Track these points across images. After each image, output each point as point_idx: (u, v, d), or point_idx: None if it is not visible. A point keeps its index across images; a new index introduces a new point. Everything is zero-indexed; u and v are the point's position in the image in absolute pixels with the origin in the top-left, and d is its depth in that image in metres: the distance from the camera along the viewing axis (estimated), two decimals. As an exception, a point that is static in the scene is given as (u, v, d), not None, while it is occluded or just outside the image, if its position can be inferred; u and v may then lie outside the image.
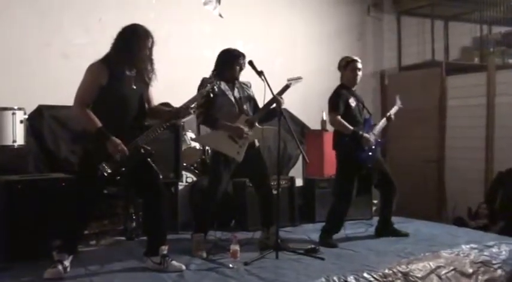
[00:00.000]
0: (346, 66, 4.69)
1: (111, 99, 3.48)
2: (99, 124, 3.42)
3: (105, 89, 3.47)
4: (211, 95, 3.94)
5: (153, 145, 3.74)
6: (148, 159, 3.68)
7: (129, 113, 3.57)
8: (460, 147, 6.68)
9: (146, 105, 3.72)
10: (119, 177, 3.53)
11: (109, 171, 3.43)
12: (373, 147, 4.59)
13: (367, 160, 4.58)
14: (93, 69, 3.50)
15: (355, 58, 4.72)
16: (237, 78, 4.32)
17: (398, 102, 4.93)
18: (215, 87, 3.93)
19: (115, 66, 3.51)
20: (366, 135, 4.52)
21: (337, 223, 4.64)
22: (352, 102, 4.65)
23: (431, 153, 6.86)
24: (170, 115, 3.70)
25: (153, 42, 3.60)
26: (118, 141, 3.41)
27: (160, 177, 3.82)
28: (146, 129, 3.60)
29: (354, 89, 4.75)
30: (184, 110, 3.67)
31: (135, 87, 3.59)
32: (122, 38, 3.54)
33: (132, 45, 3.52)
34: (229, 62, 4.26)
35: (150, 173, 3.71)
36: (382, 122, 4.79)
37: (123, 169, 3.50)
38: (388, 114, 4.82)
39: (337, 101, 4.58)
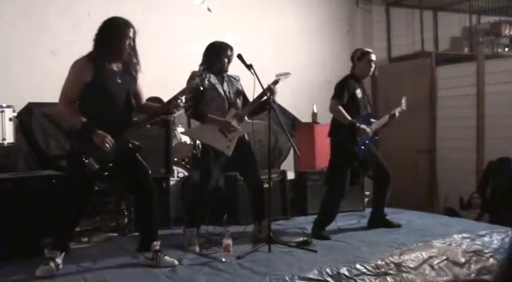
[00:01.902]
0: (362, 57, 4.67)
1: (96, 95, 3.45)
2: (84, 119, 3.40)
3: (90, 85, 3.44)
4: (201, 88, 3.92)
5: (144, 140, 3.72)
6: (137, 154, 3.66)
7: (115, 108, 3.54)
8: (451, 138, 6.71)
9: (134, 101, 3.69)
10: (106, 173, 3.51)
11: (96, 166, 3.40)
12: (367, 141, 4.58)
13: (359, 153, 4.57)
14: (77, 65, 3.48)
15: (370, 50, 4.74)
16: (226, 71, 4.30)
17: (404, 104, 4.92)
18: (205, 80, 3.91)
19: (99, 61, 3.48)
20: (362, 126, 4.49)
21: (329, 214, 4.64)
22: (359, 93, 4.64)
23: (423, 144, 6.88)
24: (159, 110, 3.68)
25: (134, 32, 3.55)
26: (104, 133, 3.39)
27: (150, 172, 3.80)
28: (133, 124, 3.58)
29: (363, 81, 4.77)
30: (173, 104, 3.64)
31: (120, 81, 3.55)
32: (101, 31, 3.52)
33: (112, 37, 3.49)
34: (217, 55, 4.24)
35: (138, 169, 3.69)
36: (384, 119, 4.79)
37: (111, 165, 3.48)
38: (392, 112, 4.80)
39: (342, 89, 4.55)
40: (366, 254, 3.84)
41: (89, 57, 3.49)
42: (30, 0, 5.24)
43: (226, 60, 4.24)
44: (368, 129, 4.52)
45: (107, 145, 3.39)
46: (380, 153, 4.87)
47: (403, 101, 4.93)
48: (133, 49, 3.59)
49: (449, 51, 7.23)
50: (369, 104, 4.82)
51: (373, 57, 4.69)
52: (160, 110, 3.70)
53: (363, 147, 4.56)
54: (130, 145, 3.58)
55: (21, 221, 3.85)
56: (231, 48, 4.26)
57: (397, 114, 4.82)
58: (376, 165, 4.75)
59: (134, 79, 3.68)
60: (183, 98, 3.67)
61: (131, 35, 3.54)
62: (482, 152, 6.44)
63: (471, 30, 7.17)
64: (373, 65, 4.70)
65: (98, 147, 3.39)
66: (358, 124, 4.48)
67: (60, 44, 5.24)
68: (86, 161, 3.38)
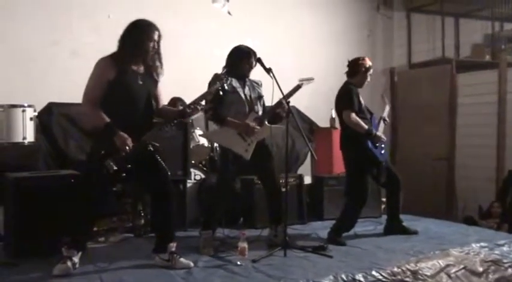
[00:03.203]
0: (368, 70, 4.66)
1: (118, 95, 3.48)
2: (107, 119, 3.42)
3: (112, 84, 3.47)
4: (221, 93, 3.92)
5: (161, 142, 3.73)
6: (157, 156, 3.68)
7: (136, 109, 3.56)
8: (470, 145, 6.63)
9: (154, 104, 3.71)
10: (124, 174, 3.52)
11: (115, 168, 3.42)
12: (383, 146, 4.58)
13: (381, 157, 4.57)
14: (100, 64, 3.51)
15: (371, 63, 4.75)
16: (248, 76, 4.31)
17: (387, 101, 4.91)
18: (225, 85, 3.91)
19: (122, 62, 3.50)
20: (378, 133, 4.52)
21: (349, 223, 4.62)
22: (361, 99, 4.65)
23: (441, 151, 6.81)
24: (178, 114, 3.69)
25: (159, 35, 3.58)
26: (126, 135, 3.41)
27: (169, 174, 3.81)
28: (154, 127, 3.60)
29: None
30: (192, 108, 3.64)
31: (141, 82, 3.58)
32: (126, 32, 3.55)
33: (136, 39, 3.52)
34: (240, 59, 4.24)
35: (158, 171, 3.70)
36: (382, 123, 4.77)
37: (129, 166, 3.50)
38: (382, 116, 4.77)
39: (351, 98, 4.51)
40: (382, 261, 3.81)
41: (113, 57, 3.52)
42: (55, 2, 5.31)
43: (248, 66, 4.24)
44: (382, 135, 4.55)
45: (127, 148, 3.41)
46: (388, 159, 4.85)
47: (385, 98, 4.99)
48: (157, 52, 3.62)
49: (471, 58, 7.15)
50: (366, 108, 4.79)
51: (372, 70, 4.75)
52: (178, 114, 3.70)
53: (382, 152, 4.56)
54: (150, 147, 3.59)
55: (40, 220, 3.88)
56: (255, 54, 4.25)
57: (387, 118, 4.81)
58: (387, 171, 4.74)
59: (155, 82, 3.70)
60: (203, 103, 3.68)
61: (156, 37, 3.57)
62: (502, 160, 6.35)
63: (493, 37, 7.08)
64: (369, 78, 4.74)
65: (117, 148, 3.41)
66: (374, 131, 4.49)
67: (80, 45, 5.29)
68: (105, 162, 3.40)
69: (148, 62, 3.61)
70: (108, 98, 3.48)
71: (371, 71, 4.70)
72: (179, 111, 3.71)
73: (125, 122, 3.45)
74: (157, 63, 3.65)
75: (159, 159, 3.70)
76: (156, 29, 3.58)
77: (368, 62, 4.69)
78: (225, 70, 4.24)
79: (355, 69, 4.68)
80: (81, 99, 3.51)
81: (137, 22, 3.57)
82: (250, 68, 4.28)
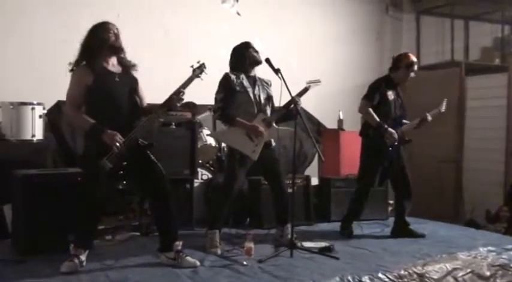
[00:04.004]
0: (410, 66, 4.68)
1: (99, 97, 3.53)
2: (92, 121, 3.47)
3: (91, 88, 3.52)
4: (201, 79, 3.83)
5: (169, 141, 3.72)
6: (150, 154, 3.68)
7: (120, 107, 3.59)
8: (478, 149, 6.61)
9: (138, 100, 3.73)
10: (122, 172, 3.53)
11: (110, 166, 3.43)
12: (396, 143, 4.59)
13: (388, 154, 4.62)
14: (76, 72, 3.60)
15: (416, 60, 4.75)
16: (259, 63, 4.28)
17: (444, 106, 4.86)
18: (204, 70, 3.82)
19: (94, 64, 3.57)
20: (390, 129, 4.54)
21: (358, 208, 4.77)
22: (391, 95, 4.68)
23: (449, 154, 6.77)
24: (163, 105, 3.67)
25: (117, 28, 3.64)
26: (114, 132, 3.44)
27: (164, 173, 3.76)
28: (141, 122, 3.61)
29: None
30: (175, 99, 3.63)
31: (118, 79, 3.62)
32: (86, 36, 3.65)
33: (95, 36, 3.60)
34: (244, 51, 4.26)
35: (153, 171, 3.70)
36: (415, 121, 4.77)
37: (125, 163, 3.51)
38: (424, 116, 4.76)
39: (373, 92, 4.63)
40: (389, 263, 3.79)
41: (86, 63, 3.60)
42: (64, 0, 5.34)
43: (251, 57, 4.24)
44: (394, 133, 4.55)
45: (117, 143, 3.42)
46: (408, 164, 4.83)
47: (444, 103, 4.86)
48: (118, 43, 3.65)
49: (480, 62, 7.11)
50: (402, 107, 4.79)
51: (416, 68, 4.72)
52: (164, 104, 3.67)
53: (390, 148, 4.59)
54: (140, 142, 3.60)
55: (48, 217, 3.90)
56: (254, 48, 4.28)
57: (429, 118, 4.77)
58: (400, 173, 4.74)
59: (134, 79, 3.75)
60: (184, 91, 3.66)
61: (114, 29, 3.63)
62: (510, 164, 6.31)
63: (503, 41, 7.04)
64: (413, 74, 4.73)
65: (109, 146, 3.43)
66: (385, 126, 4.50)
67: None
68: (100, 161, 3.41)
69: (120, 58, 3.68)
70: (90, 101, 3.55)
71: (414, 67, 4.69)
72: (165, 101, 3.67)
73: (110, 121, 3.48)
74: (122, 55, 3.70)
75: (153, 159, 3.71)
76: (111, 23, 3.66)
77: (411, 58, 4.71)
78: (230, 67, 4.28)
79: (397, 64, 4.74)
80: (65, 105, 3.61)
81: (93, 25, 3.68)
82: (254, 59, 4.25)
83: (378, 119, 4.55)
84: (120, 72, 3.67)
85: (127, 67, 3.72)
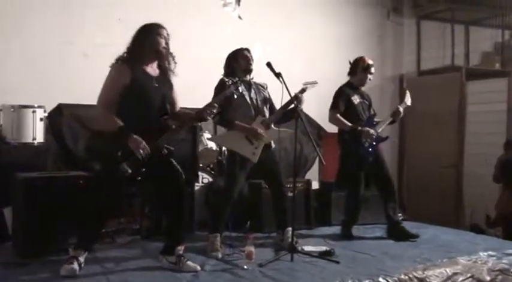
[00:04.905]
0: (367, 69, 4.81)
1: (133, 99, 3.49)
2: (120, 123, 3.43)
3: (128, 89, 3.48)
4: (235, 96, 3.93)
5: (172, 145, 3.73)
6: (171, 159, 3.68)
7: (151, 112, 3.56)
8: (479, 153, 6.61)
9: (169, 107, 3.71)
10: (139, 178, 3.53)
11: (129, 171, 3.43)
12: (374, 143, 4.68)
13: (367, 154, 4.69)
14: (116, 69, 3.53)
15: (372, 62, 4.84)
16: (249, 72, 4.31)
17: (408, 98, 4.94)
18: (239, 87, 3.92)
19: (135, 65, 3.53)
20: (365, 129, 4.65)
21: (352, 214, 4.85)
22: (356, 99, 4.80)
23: (450, 159, 6.78)
24: (195, 116, 3.69)
25: (168, 34, 3.62)
26: (140, 139, 3.41)
27: (184, 177, 3.79)
28: (169, 130, 3.60)
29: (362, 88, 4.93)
30: (207, 111, 3.65)
31: (156, 85, 3.59)
32: (137, 34, 3.60)
33: (146, 38, 3.56)
34: (231, 60, 4.30)
35: (174, 174, 3.70)
36: (387, 117, 4.87)
37: (144, 170, 3.50)
38: (398, 107, 4.86)
39: (337, 100, 4.78)
40: (389, 268, 3.79)
41: (127, 61, 3.54)
42: (68, 3, 5.35)
43: (245, 61, 4.26)
44: (372, 131, 4.65)
45: (141, 151, 3.41)
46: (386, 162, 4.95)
47: (408, 95, 4.97)
48: (169, 51, 3.64)
49: (480, 67, 7.13)
50: (370, 108, 4.93)
51: (373, 70, 4.84)
52: (194, 117, 3.71)
53: (370, 149, 4.68)
54: (164, 150, 3.59)
55: (48, 220, 3.90)
56: (248, 49, 4.32)
57: (401, 110, 4.84)
58: (382, 174, 4.84)
59: (171, 85, 3.72)
60: (216, 105, 3.70)
61: (165, 34, 3.60)
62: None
63: (503, 46, 7.05)
64: (371, 77, 4.85)
65: (132, 152, 3.41)
66: (359, 128, 4.63)
67: (91, 47, 5.31)
68: (120, 166, 3.41)
69: (163, 63, 3.64)
70: (123, 102, 3.50)
71: (371, 69, 4.82)
72: (197, 113, 3.70)
73: (139, 125, 3.45)
74: (170, 60, 3.67)
75: (174, 162, 3.71)
76: (163, 27, 3.63)
77: (367, 61, 4.84)
78: (226, 73, 4.30)
79: (354, 68, 4.89)
80: (96, 103, 3.53)
81: (145, 24, 3.63)
82: (245, 68, 4.28)
83: (349, 124, 4.67)
84: (157, 76, 3.64)
85: (165, 71, 3.68)
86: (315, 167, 6.51)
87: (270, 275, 3.56)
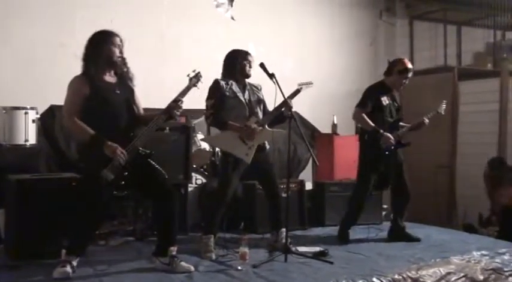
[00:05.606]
0: (403, 72, 4.67)
1: (98, 108, 3.51)
2: (92, 131, 3.44)
3: (89, 99, 3.51)
4: (198, 88, 3.83)
5: (163, 147, 3.71)
6: (150, 160, 3.67)
7: (118, 117, 3.58)
8: (471, 154, 6.63)
9: (136, 109, 3.73)
10: (123, 182, 3.51)
11: (112, 177, 3.42)
12: (392, 147, 4.59)
13: (384, 158, 4.62)
14: (74, 82, 3.57)
15: (411, 67, 4.72)
16: (248, 76, 4.31)
17: (443, 108, 4.85)
18: (200, 79, 3.82)
19: (93, 75, 3.55)
20: (385, 134, 4.53)
21: (354, 212, 4.77)
22: (385, 100, 4.68)
23: (443, 159, 6.80)
24: (163, 114, 3.64)
25: (121, 40, 3.63)
26: (115, 144, 3.41)
27: (166, 177, 3.78)
28: (141, 133, 3.59)
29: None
30: (173, 107, 3.62)
31: (118, 92, 3.62)
32: (88, 45, 3.61)
33: (99, 48, 3.57)
34: (235, 60, 4.26)
35: (155, 175, 3.70)
36: (412, 124, 4.76)
37: (126, 173, 3.49)
38: (423, 118, 4.75)
39: (366, 98, 4.66)
40: (383, 268, 3.80)
41: (84, 73, 3.58)
42: (60, 5, 5.33)
43: (245, 65, 4.25)
44: (390, 136, 4.54)
45: (119, 155, 3.40)
46: (406, 167, 4.85)
47: (443, 104, 4.86)
48: (122, 58, 3.65)
49: (473, 67, 7.16)
50: (398, 111, 4.80)
51: (411, 74, 4.70)
52: (163, 112, 3.66)
53: (387, 152, 4.58)
54: (141, 152, 3.57)
55: (41, 222, 3.88)
56: (249, 54, 4.29)
57: (426, 121, 4.75)
58: (398, 177, 4.75)
59: (131, 89, 3.74)
60: (182, 99, 3.65)
61: (118, 42, 3.61)
62: (503, 168, 6.33)
63: (495, 46, 7.09)
64: (406, 81, 4.73)
65: (110, 158, 3.41)
66: (381, 131, 4.51)
67: (83, 48, 5.28)
68: (101, 173, 3.39)
69: (119, 70, 3.65)
70: (89, 112, 3.51)
71: (408, 74, 4.67)
72: (164, 111, 3.65)
73: (110, 131, 3.47)
74: (125, 68, 3.68)
75: (154, 164, 3.70)
76: (116, 35, 3.63)
77: (406, 65, 4.70)
78: (223, 74, 4.27)
79: (391, 68, 4.77)
80: (64, 115, 3.55)
81: (97, 33, 3.63)
82: (249, 67, 4.27)
83: (372, 124, 4.55)
84: (116, 82, 3.66)
85: (123, 77, 3.70)
86: (309, 167, 6.51)
87: (264, 276, 3.56)
